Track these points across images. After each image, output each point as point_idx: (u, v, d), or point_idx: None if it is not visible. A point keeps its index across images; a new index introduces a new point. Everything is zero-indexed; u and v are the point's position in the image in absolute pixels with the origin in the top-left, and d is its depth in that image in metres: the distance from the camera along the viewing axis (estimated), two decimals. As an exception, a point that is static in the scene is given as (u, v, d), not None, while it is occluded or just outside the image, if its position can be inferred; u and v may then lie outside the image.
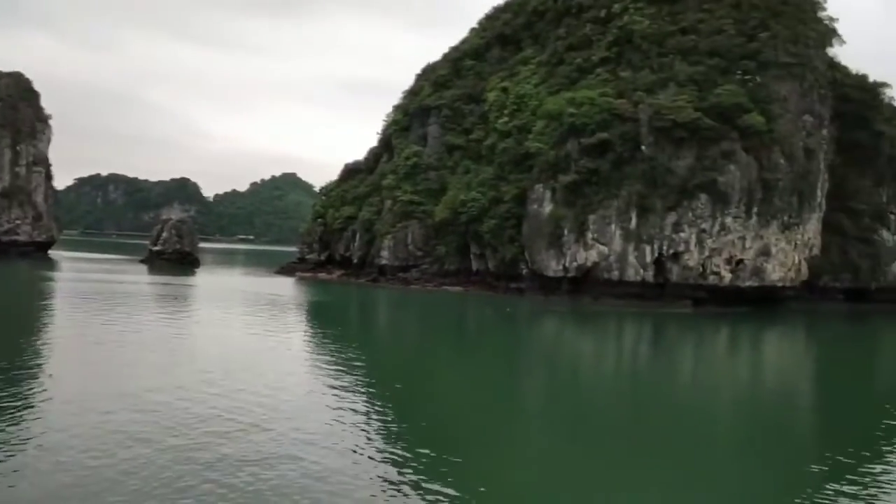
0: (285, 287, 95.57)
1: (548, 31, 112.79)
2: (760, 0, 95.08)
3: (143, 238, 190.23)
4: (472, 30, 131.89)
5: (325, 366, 36.46)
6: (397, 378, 35.53)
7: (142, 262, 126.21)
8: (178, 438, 21.35)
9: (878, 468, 23.20)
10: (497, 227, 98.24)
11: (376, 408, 27.85)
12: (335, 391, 29.84)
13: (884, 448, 26.25)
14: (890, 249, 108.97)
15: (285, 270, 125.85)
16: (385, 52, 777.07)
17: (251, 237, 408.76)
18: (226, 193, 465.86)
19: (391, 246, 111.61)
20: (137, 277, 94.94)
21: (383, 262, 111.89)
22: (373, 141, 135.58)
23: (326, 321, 62.80)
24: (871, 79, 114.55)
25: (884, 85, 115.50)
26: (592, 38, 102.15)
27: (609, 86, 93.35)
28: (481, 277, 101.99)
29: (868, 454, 24.83)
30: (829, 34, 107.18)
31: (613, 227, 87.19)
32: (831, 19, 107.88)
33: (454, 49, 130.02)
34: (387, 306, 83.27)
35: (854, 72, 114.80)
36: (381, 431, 24.39)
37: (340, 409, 26.80)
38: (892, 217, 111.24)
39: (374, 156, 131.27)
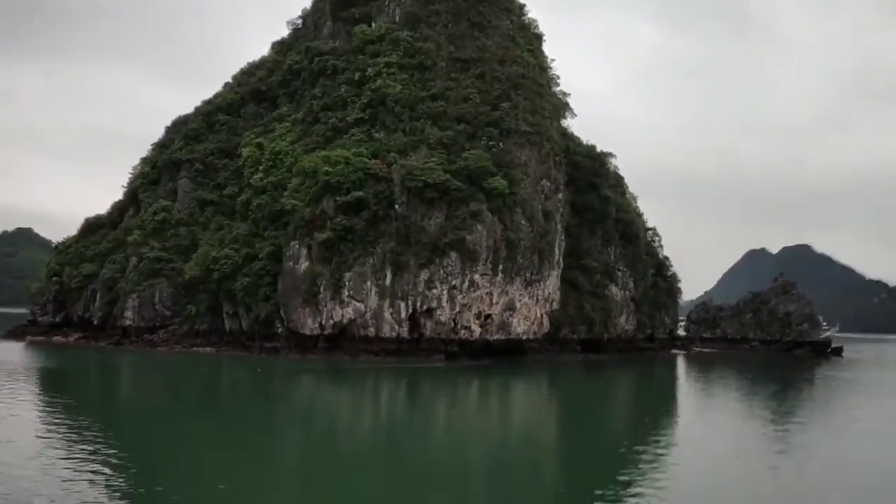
0: (13, 352, 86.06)
1: (303, 90, 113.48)
2: (502, 72, 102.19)
3: None
4: (226, 84, 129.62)
5: (55, 435, 32.98)
6: (135, 448, 32.78)
7: None
8: None
9: (614, 496, 24.98)
10: (251, 284, 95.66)
11: (109, 479, 25.46)
12: (66, 462, 27.01)
13: (618, 478, 28.28)
14: (618, 303, 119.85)
15: (14, 334, 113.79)
16: (131, 102, 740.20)
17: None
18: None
19: (136, 306, 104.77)
20: None
21: (127, 322, 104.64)
22: (118, 194, 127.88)
23: (59, 388, 57.00)
24: (598, 149, 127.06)
25: (609, 155, 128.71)
26: (347, 99, 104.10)
27: (364, 146, 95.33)
28: (235, 337, 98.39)
29: (601, 486, 26.65)
30: (562, 107, 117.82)
31: (369, 283, 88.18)
32: (564, 94, 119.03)
33: (207, 103, 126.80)
34: (130, 370, 77.45)
35: (584, 142, 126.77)
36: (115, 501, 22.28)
37: (71, 480, 24.26)
38: (620, 273, 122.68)
39: (119, 210, 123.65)
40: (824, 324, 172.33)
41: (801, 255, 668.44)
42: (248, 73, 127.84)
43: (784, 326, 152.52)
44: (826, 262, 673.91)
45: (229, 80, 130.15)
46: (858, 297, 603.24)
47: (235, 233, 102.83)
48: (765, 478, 29.29)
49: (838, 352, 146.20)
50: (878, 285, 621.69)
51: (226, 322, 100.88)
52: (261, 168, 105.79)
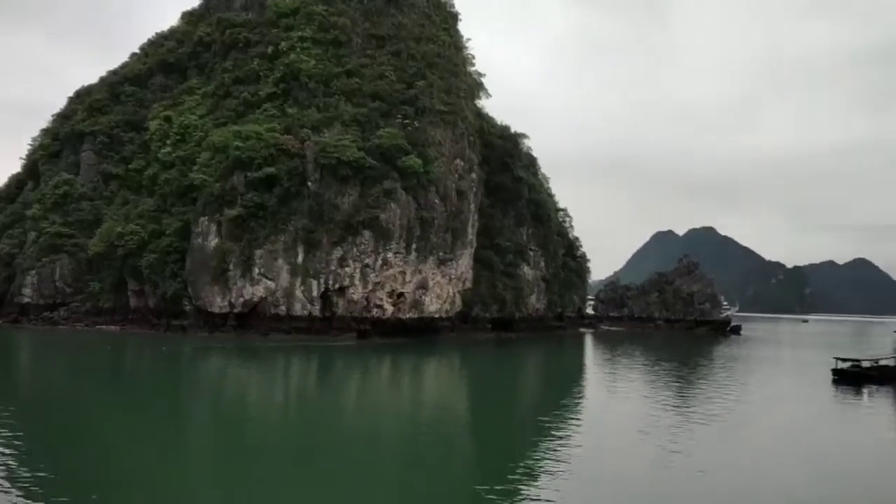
0: None
1: (214, 63, 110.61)
2: (417, 50, 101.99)
3: None
4: (134, 54, 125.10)
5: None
6: (30, 433, 31.61)
7: None
8: None
9: (524, 468, 25.69)
10: (158, 261, 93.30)
11: (6, 461, 24.61)
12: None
13: (526, 453, 29.00)
14: (529, 282, 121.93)
15: None
16: (31, 69, 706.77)
17: None
18: None
19: (35, 282, 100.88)
20: None
21: (25, 300, 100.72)
22: (15, 166, 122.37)
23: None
24: (512, 129, 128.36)
25: (522, 136, 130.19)
26: (260, 73, 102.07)
27: (276, 121, 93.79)
28: (140, 315, 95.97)
29: (514, 457, 27.31)
30: (477, 87, 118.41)
31: (280, 261, 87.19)
32: (479, 74, 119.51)
33: (113, 73, 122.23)
34: (28, 349, 74.57)
35: (499, 122, 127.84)
36: (14, 486, 21.58)
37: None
38: (531, 253, 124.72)
39: (17, 183, 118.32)
40: (725, 303, 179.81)
41: (705, 237, 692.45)
42: (157, 43, 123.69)
43: (687, 305, 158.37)
44: (729, 244, 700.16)
45: (136, 50, 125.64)
46: (758, 278, 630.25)
47: (141, 208, 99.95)
48: (663, 452, 30.48)
49: (737, 330, 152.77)
50: (777, 267, 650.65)
51: (131, 300, 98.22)
52: (169, 142, 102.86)
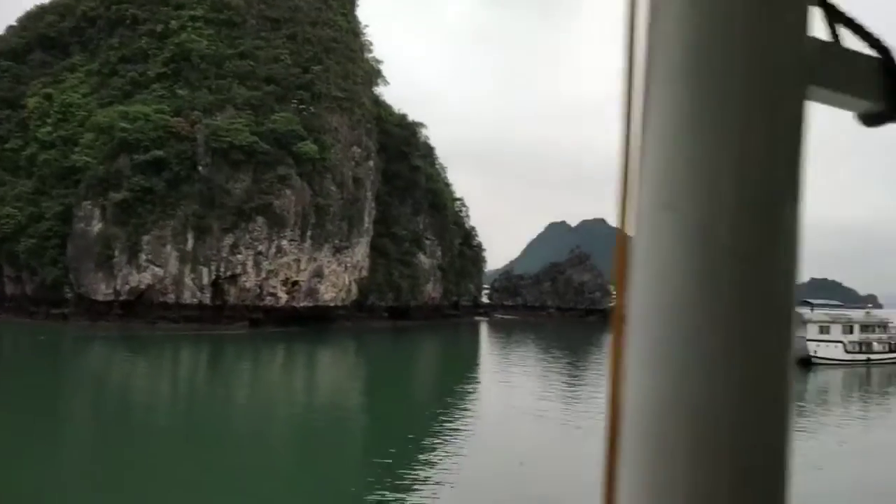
0: None
1: (99, 39, 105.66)
2: (314, 34, 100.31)
3: None
4: (10, 27, 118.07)
5: None
6: None
7: None
8: None
9: (422, 457, 25.64)
10: (36, 246, 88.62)
11: None
12: None
13: (419, 440, 29.00)
14: (425, 271, 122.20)
15: None
16: None
17: None
18: None
19: None
20: None
21: None
22: None
23: None
24: (409, 118, 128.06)
25: (420, 125, 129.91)
26: (149, 52, 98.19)
27: (166, 102, 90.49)
28: (17, 303, 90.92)
29: (406, 442, 27.22)
30: (375, 74, 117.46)
31: (169, 247, 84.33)
32: (377, 61, 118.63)
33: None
34: None
35: (396, 110, 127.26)
36: None
37: None
38: (428, 242, 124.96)
39: None
40: (614, 293, 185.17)
41: (597, 229, 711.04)
42: (37, 16, 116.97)
43: (578, 295, 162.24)
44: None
45: (13, 22, 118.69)
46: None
47: (19, 190, 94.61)
48: (554, 436, 31.11)
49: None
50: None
51: (7, 286, 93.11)
52: (49, 121, 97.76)
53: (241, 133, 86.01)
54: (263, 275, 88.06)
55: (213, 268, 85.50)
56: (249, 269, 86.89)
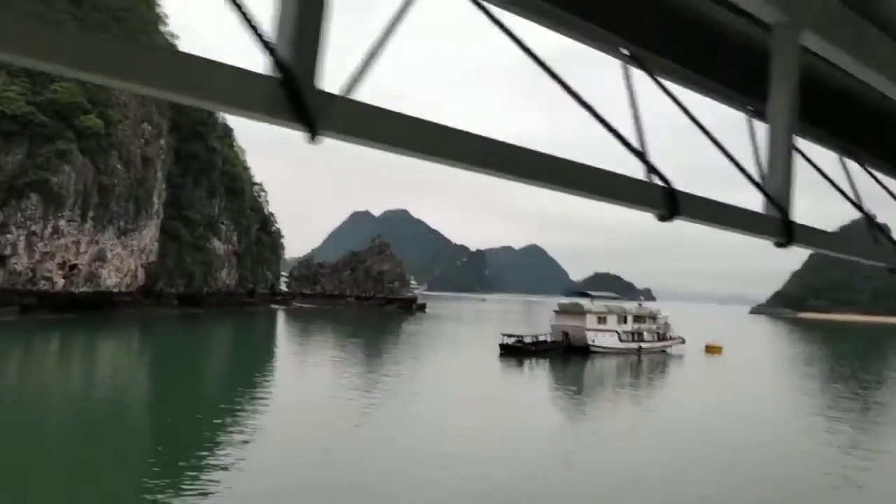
0: None
1: None
2: (101, 1, 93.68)
3: None
4: None
5: None
6: None
7: None
8: None
9: (200, 447, 24.54)
10: None
11: None
12: None
13: (204, 436, 27.84)
14: (220, 257, 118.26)
15: None
16: None
17: None
18: None
19: None
20: None
21: None
22: None
23: None
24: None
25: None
26: None
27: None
28: None
29: (190, 436, 26.01)
30: (169, 48, 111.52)
31: (-76, 225, 75.79)
32: (173, 35, 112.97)
33: None
34: None
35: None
36: None
37: None
38: (223, 227, 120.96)
39: None
40: (413, 282, 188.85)
41: (399, 219, 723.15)
42: None
43: (378, 284, 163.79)
44: (421, 226, 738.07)
45: None
46: (446, 259, 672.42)
47: None
48: (349, 426, 31.03)
49: (423, 307, 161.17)
50: (462, 249, 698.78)
51: None
52: None
53: (14, 102, 78.79)
54: (37, 257, 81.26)
55: (-23, 248, 77.79)
56: (21, 251, 79.82)
